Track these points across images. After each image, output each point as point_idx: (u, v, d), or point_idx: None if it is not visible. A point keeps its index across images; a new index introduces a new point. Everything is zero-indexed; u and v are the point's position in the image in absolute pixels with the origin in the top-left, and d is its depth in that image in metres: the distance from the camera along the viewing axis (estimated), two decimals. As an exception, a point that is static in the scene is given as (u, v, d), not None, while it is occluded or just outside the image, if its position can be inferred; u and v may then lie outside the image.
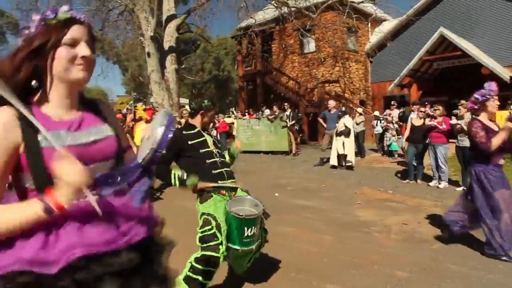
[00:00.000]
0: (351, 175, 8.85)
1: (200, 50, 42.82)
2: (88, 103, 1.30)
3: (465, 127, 6.77)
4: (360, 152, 11.37)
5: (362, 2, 15.35)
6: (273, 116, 12.83)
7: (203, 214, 2.80)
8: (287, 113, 12.63)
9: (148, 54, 15.68)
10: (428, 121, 7.48)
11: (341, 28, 17.98)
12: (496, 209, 3.65)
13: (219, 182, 2.88)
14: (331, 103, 10.25)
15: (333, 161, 9.70)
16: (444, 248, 4.02)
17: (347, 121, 9.50)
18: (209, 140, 3.06)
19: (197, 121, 3.11)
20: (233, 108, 21.97)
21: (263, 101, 19.35)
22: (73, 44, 1.12)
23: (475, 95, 3.91)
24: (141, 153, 1.17)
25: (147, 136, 1.20)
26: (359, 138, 11.29)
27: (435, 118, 7.42)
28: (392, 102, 11.93)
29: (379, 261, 3.56)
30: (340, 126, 9.52)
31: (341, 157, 9.61)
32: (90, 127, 1.21)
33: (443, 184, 7.35)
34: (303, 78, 19.46)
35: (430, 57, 15.94)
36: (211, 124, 3.24)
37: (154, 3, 16.42)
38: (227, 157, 3.19)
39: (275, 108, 13.63)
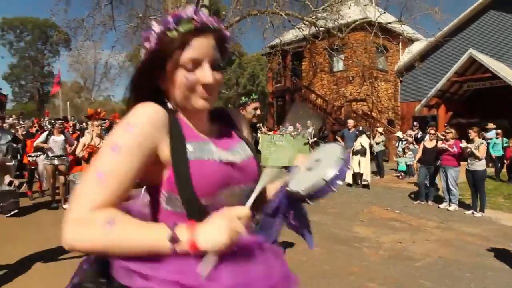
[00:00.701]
0: (364, 194, 9.02)
1: (235, 65, 44.02)
2: (221, 114, 1.14)
3: (474, 151, 6.88)
4: (379, 171, 11.47)
5: (389, 23, 15.46)
6: (295, 133, 13.18)
7: None
8: (309, 130, 12.94)
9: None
10: (440, 144, 7.59)
11: (370, 48, 18.16)
12: None
13: None
14: (350, 122, 10.50)
15: (349, 179, 9.88)
16: (427, 267, 4.21)
17: (363, 140, 9.71)
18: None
19: None
20: (261, 124, 22.46)
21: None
22: (194, 65, 0.93)
23: None
24: (300, 182, 1.01)
25: (308, 165, 1.06)
26: (379, 158, 11.40)
27: (447, 140, 7.53)
28: (415, 123, 11.97)
29: (356, 273, 3.83)
30: (357, 145, 9.73)
31: (357, 176, 9.80)
32: (235, 144, 1.05)
33: (453, 207, 7.40)
34: (331, 96, 19.71)
35: (459, 78, 15.78)
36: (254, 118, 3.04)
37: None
38: None
39: (298, 125, 13.98)
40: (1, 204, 5.30)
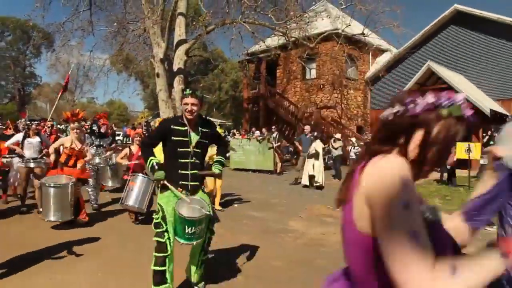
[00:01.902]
0: (316, 194, 9.72)
1: (217, 70, 44.69)
2: None
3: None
4: (336, 174, 12.22)
5: (354, 35, 16.33)
6: (261, 137, 13.87)
7: (158, 203, 3.22)
8: (274, 135, 13.65)
9: (157, 74, 17.03)
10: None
11: (340, 58, 19.05)
12: None
13: (181, 182, 3.19)
14: (307, 128, 11.22)
15: (305, 180, 10.60)
16: (330, 252, 4.89)
17: (317, 145, 10.44)
18: (193, 141, 3.24)
19: (185, 114, 3.22)
20: (234, 130, 23.15)
21: (265, 123, 20.47)
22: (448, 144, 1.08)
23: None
24: None
25: None
26: (336, 162, 12.16)
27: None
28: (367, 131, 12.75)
29: (268, 255, 4.49)
30: (311, 150, 10.46)
31: (312, 178, 10.51)
32: None
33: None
34: (303, 103, 20.53)
35: (420, 88, 16.74)
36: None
37: (165, 29, 17.91)
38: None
39: (263, 130, 14.69)
40: None
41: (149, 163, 3.19)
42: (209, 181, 6.94)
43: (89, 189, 7.21)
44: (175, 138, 3.19)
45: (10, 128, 8.94)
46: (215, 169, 3.47)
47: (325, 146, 11.74)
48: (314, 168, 10.33)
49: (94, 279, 3.72)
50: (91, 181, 7.09)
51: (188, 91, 3.19)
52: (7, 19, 39.88)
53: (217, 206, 7.19)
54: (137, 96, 53.24)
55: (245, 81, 24.08)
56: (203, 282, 3.47)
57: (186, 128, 3.22)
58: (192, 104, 3.16)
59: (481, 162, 9.80)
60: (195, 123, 3.27)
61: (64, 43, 17.31)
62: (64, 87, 13.96)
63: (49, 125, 10.28)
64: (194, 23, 18.21)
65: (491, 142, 13.21)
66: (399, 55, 18.72)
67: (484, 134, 13.12)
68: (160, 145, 3.36)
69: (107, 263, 4.20)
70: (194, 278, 3.43)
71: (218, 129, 7.01)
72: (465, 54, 17.40)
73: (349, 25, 15.44)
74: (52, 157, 6.12)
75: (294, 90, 21.45)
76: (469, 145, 9.77)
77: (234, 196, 8.96)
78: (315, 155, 10.27)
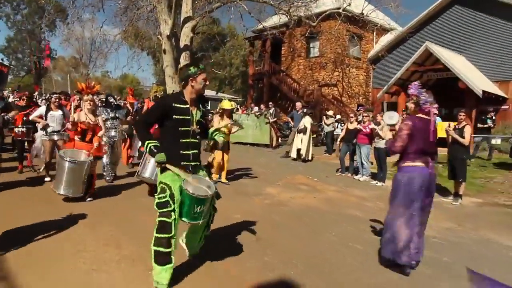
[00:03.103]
0: (301, 166, 10.47)
1: (227, 46, 44.91)
2: None
3: (380, 132, 8.29)
4: (327, 149, 12.90)
5: (354, 14, 16.59)
6: (259, 113, 14.55)
7: (160, 182, 3.04)
8: (271, 111, 14.30)
9: (164, 51, 17.61)
10: (356, 125, 8.99)
11: (342, 36, 19.35)
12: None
13: (182, 162, 3.07)
14: (298, 104, 11.85)
15: (293, 154, 11.33)
16: (290, 211, 5.68)
17: (306, 120, 11.08)
18: (195, 118, 3.16)
19: (187, 91, 3.13)
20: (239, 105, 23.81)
21: (269, 100, 21.06)
22: None
23: (424, 96, 3.77)
24: None
25: None
26: (327, 137, 12.82)
27: (364, 123, 8.91)
28: (358, 108, 13.31)
29: (231, 210, 5.28)
30: (301, 125, 11.13)
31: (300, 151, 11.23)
32: None
33: (364, 178, 8.85)
34: (306, 80, 21.00)
35: (419, 68, 17.04)
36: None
37: (172, 6, 18.40)
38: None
39: (262, 106, 15.34)
40: None
41: (147, 147, 3.02)
42: (217, 154, 7.30)
43: (105, 162, 7.07)
44: (176, 117, 3.04)
45: (23, 100, 9.27)
46: (219, 138, 3.48)
47: (315, 123, 12.34)
48: (302, 142, 11.03)
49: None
50: (106, 155, 6.98)
51: (202, 66, 3.12)
52: (22, -8, 40.64)
53: (223, 179, 7.48)
54: (142, 71, 53.68)
55: (250, 58, 24.55)
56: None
57: (187, 105, 3.10)
58: (205, 79, 3.13)
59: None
60: (196, 100, 3.19)
61: (75, 20, 18.01)
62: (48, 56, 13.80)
63: (77, 99, 10.52)
64: (197, 1, 18.61)
65: (489, 122, 13.73)
66: (401, 35, 18.91)
67: (482, 116, 13.62)
68: None
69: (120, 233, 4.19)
70: (193, 251, 3.41)
71: (228, 104, 7.19)
72: (468, 35, 17.50)
73: (349, 4, 15.71)
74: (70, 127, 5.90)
75: (298, 67, 21.88)
76: (449, 124, 10.25)
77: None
78: (304, 130, 10.94)
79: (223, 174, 7.56)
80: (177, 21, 18.09)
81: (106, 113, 7.25)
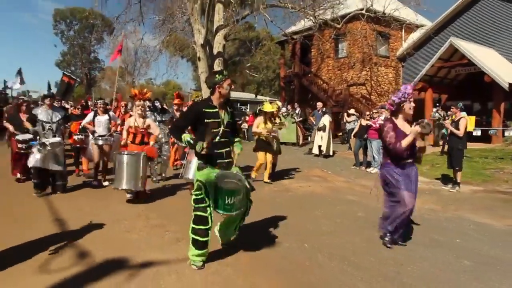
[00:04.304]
0: (320, 161, 11.29)
1: (265, 49, 45.97)
2: None
3: (387, 127, 8.98)
4: (349, 146, 13.58)
5: (377, 14, 17.04)
6: (286, 113, 15.48)
7: (197, 180, 3.41)
8: (296, 111, 15.19)
9: (199, 58, 18.97)
10: (367, 122, 9.71)
11: (369, 36, 19.82)
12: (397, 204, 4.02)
13: (218, 160, 3.44)
14: (319, 104, 12.68)
15: (315, 150, 12.18)
16: (294, 196, 6.60)
17: (325, 119, 11.91)
18: (224, 120, 3.49)
19: (215, 97, 3.48)
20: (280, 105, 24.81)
21: (300, 100, 21.93)
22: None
23: (393, 97, 4.09)
24: None
25: None
26: (348, 134, 13.50)
27: (374, 118, 9.62)
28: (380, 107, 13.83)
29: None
30: (320, 123, 11.96)
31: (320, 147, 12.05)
32: None
33: (375, 170, 9.54)
34: (335, 81, 21.62)
35: (445, 64, 17.20)
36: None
37: (205, 16, 19.77)
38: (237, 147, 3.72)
39: (289, 106, 16.25)
40: (54, 184, 6.22)
41: (184, 140, 3.41)
42: (259, 155, 7.64)
43: (153, 164, 7.40)
44: (207, 120, 3.38)
45: (77, 109, 10.55)
46: (237, 149, 3.74)
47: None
48: (322, 139, 11.86)
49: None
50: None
51: (225, 73, 3.47)
52: (74, 10, 44.22)
53: (265, 179, 7.69)
54: (177, 78, 55.71)
55: (281, 61, 25.51)
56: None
57: (216, 109, 3.45)
58: (230, 85, 3.48)
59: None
60: (223, 104, 3.53)
61: (118, 34, 19.90)
62: (120, 51, 14.73)
63: (123, 105, 10.88)
64: (227, 10, 19.77)
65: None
66: (427, 32, 19.10)
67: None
68: None
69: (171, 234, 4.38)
70: (226, 239, 3.85)
71: (269, 107, 7.41)
72: (498, 27, 17.35)
73: (371, 5, 16.23)
74: (124, 136, 6.19)
75: (327, 68, 22.54)
76: (444, 118, 10.65)
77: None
78: (323, 128, 11.77)
79: (266, 174, 7.76)
80: (210, 29, 19.40)
81: (153, 117, 7.64)
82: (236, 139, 3.77)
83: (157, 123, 7.53)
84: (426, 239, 4.42)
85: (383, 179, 4.15)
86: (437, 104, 16.42)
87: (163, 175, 7.87)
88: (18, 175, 7.29)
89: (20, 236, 4.05)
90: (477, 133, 12.07)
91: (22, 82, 17.37)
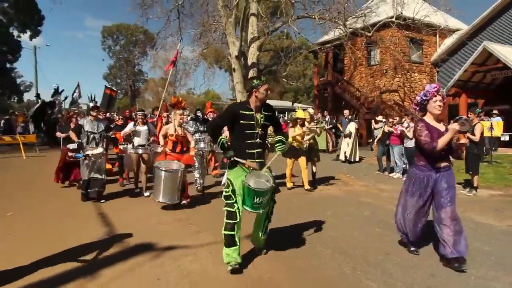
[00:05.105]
0: (346, 167, 11.68)
1: (302, 57, 46.51)
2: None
3: (406, 132, 9.30)
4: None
5: (406, 21, 17.15)
6: (316, 121, 15.94)
7: (228, 178, 3.69)
8: (326, 119, 15.62)
9: (234, 69, 19.97)
10: (388, 128, 10.04)
11: (401, 42, 19.88)
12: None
13: (249, 159, 3.61)
14: (346, 112, 13.09)
15: (341, 156, 12.58)
16: (311, 198, 7.12)
17: (350, 126, 12.30)
18: (259, 122, 3.65)
19: (252, 100, 3.67)
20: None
21: (333, 108, 22.30)
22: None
23: (417, 97, 4.01)
24: None
25: None
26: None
27: (395, 125, 9.94)
28: (406, 114, 13.99)
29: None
30: (346, 130, 12.36)
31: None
32: None
33: (397, 175, 9.84)
34: (368, 88, 21.78)
35: (480, 68, 16.96)
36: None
37: (240, 29, 20.72)
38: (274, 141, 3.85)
39: (319, 114, 16.70)
40: (88, 190, 6.59)
41: (219, 142, 3.64)
42: (288, 162, 7.86)
43: (195, 173, 7.72)
44: (243, 122, 3.59)
45: (121, 119, 11.39)
46: (279, 151, 3.82)
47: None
48: (348, 145, 12.25)
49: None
50: (196, 165, 7.59)
51: (263, 79, 3.64)
52: (120, 26, 47.09)
53: (306, 186, 7.84)
54: (211, 88, 57.09)
55: (315, 70, 25.98)
56: (265, 250, 4.05)
57: (252, 112, 3.63)
58: (267, 90, 3.64)
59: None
60: (260, 108, 3.70)
61: (159, 49, 21.38)
62: (173, 62, 14.27)
63: (165, 115, 11.22)
64: (259, 22, 20.50)
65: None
66: (461, 38, 18.92)
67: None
68: None
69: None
70: (259, 243, 3.99)
71: (302, 113, 7.72)
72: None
73: (401, 12, 16.42)
74: (162, 142, 6.41)
75: (360, 76, 22.73)
76: (491, 123, 10.69)
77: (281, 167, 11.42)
78: (349, 135, 12.17)
79: (305, 181, 7.91)
80: (245, 38, 20.26)
81: (196, 126, 7.93)
82: (278, 138, 3.87)
83: (200, 133, 7.88)
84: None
85: (410, 178, 4.05)
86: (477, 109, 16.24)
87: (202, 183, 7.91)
88: (66, 183, 8.13)
89: (77, 232, 4.99)
90: (505, 138, 11.98)
91: (79, 95, 18.63)
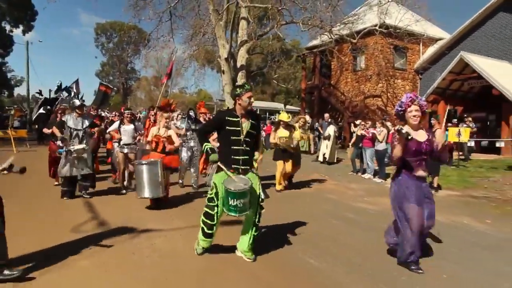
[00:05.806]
0: (323, 167, 12.32)
1: (293, 60, 47.28)
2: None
3: (377, 135, 9.95)
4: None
5: (389, 29, 17.88)
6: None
7: (213, 181, 3.78)
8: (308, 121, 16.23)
9: (223, 71, 20.52)
10: (361, 131, 10.71)
11: (385, 49, 20.66)
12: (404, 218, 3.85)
13: (233, 165, 3.67)
14: (326, 115, 13.76)
15: (320, 157, 13.23)
16: (285, 194, 7.71)
17: (330, 129, 12.96)
18: (245, 129, 3.71)
19: (237, 108, 3.75)
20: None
21: (319, 111, 22.99)
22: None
23: (396, 107, 4.00)
24: None
25: None
26: (356, 144, 14.44)
27: (368, 129, 10.59)
28: (384, 117, 14.67)
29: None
30: (326, 132, 13.01)
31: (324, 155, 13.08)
32: None
33: (368, 176, 10.49)
34: (353, 93, 22.52)
35: (458, 77, 17.76)
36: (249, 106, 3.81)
37: (229, 32, 21.28)
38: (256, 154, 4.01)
39: (307, 117, 17.36)
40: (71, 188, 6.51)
41: (204, 148, 3.77)
42: (278, 164, 8.02)
43: (192, 170, 7.97)
44: (228, 128, 3.65)
45: (117, 116, 11.59)
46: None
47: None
48: (327, 147, 12.90)
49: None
50: (184, 161, 7.80)
51: (248, 86, 3.69)
52: (114, 24, 47.40)
53: (277, 187, 8.10)
54: (196, 88, 57.40)
55: (303, 73, 26.69)
56: (254, 255, 3.91)
57: (238, 119, 3.70)
58: (251, 97, 3.70)
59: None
60: (246, 115, 3.76)
61: (150, 50, 21.92)
62: (169, 75, 14.59)
63: (153, 113, 10.62)
64: (249, 26, 21.01)
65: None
66: (442, 48, 19.78)
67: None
68: None
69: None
70: (246, 252, 3.88)
71: (285, 116, 7.71)
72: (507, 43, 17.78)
73: (383, 21, 17.13)
74: (148, 147, 6.61)
75: (346, 81, 23.46)
76: (459, 130, 11.39)
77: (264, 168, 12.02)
78: (328, 137, 12.82)
79: (277, 182, 8.11)
80: (235, 39, 20.76)
81: (188, 124, 8.04)
82: (255, 155, 4.07)
83: (191, 131, 7.95)
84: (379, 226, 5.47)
85: (394, 191, 3.96)
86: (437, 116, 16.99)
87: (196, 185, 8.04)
88: (56, 182, 7.74)
89: (63, 221, 5.50)
90: (471, 143, 12.74)
91: (77, 91, 18.33)
